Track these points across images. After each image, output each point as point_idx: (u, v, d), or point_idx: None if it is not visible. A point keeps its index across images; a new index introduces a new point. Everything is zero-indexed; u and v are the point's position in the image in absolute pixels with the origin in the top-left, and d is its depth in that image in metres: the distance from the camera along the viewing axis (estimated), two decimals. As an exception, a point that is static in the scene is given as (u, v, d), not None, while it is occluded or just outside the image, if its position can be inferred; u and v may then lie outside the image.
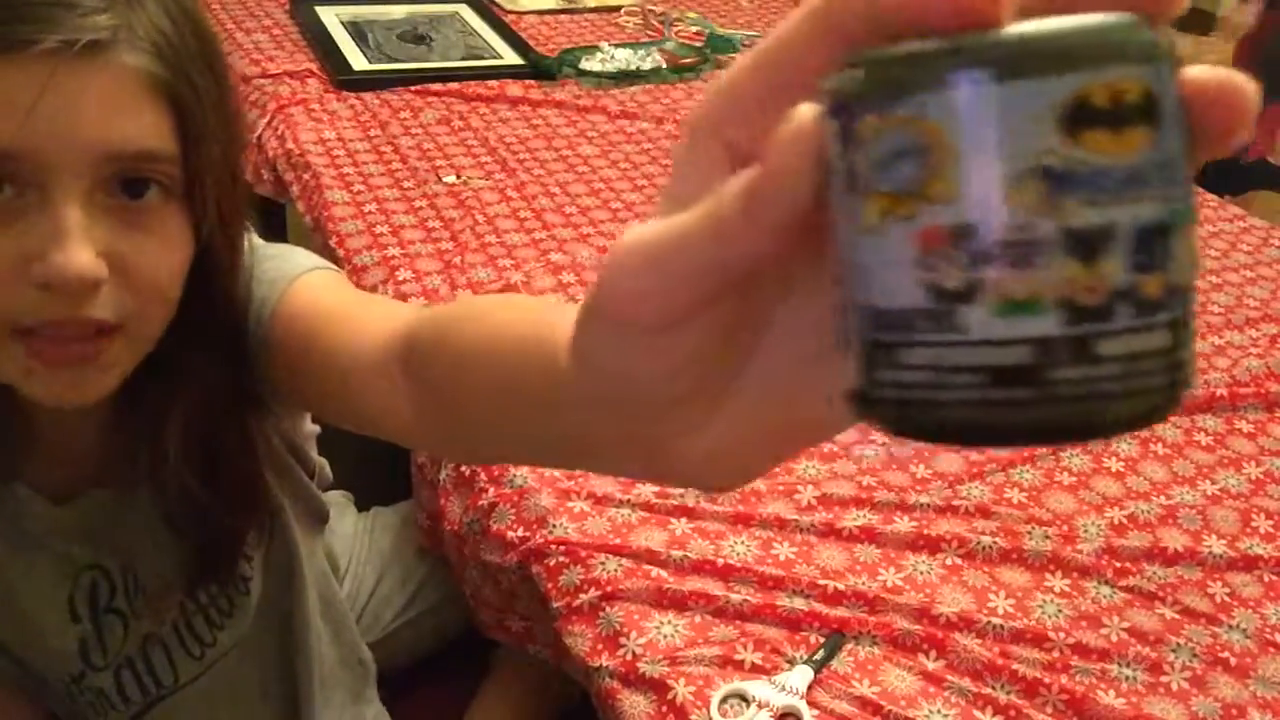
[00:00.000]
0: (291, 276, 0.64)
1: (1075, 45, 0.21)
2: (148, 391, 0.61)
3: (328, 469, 0.92)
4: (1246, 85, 0.22)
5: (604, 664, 0.77)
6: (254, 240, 0.68)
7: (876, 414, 0.24)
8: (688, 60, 1.87)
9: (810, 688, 0.75)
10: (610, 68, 1.79)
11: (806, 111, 0.22)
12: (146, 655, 0.71)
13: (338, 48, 1.69)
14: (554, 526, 0.86)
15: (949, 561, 0.87)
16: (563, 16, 2.05)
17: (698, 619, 0.80)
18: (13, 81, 0.49)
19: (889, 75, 0.21)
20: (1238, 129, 0.22)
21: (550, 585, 0.84)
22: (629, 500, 0.89)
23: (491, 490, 0.91)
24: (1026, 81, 0.20)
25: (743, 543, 0.86)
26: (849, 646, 0.79)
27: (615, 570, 0.83)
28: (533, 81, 1.72)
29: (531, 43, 1.87)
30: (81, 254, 0.50)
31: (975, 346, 0.21)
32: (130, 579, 0.69)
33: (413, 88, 1.63)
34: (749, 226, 0.23)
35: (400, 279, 1.16)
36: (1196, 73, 0.22)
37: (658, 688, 0.75)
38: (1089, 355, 0.21)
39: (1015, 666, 0.78)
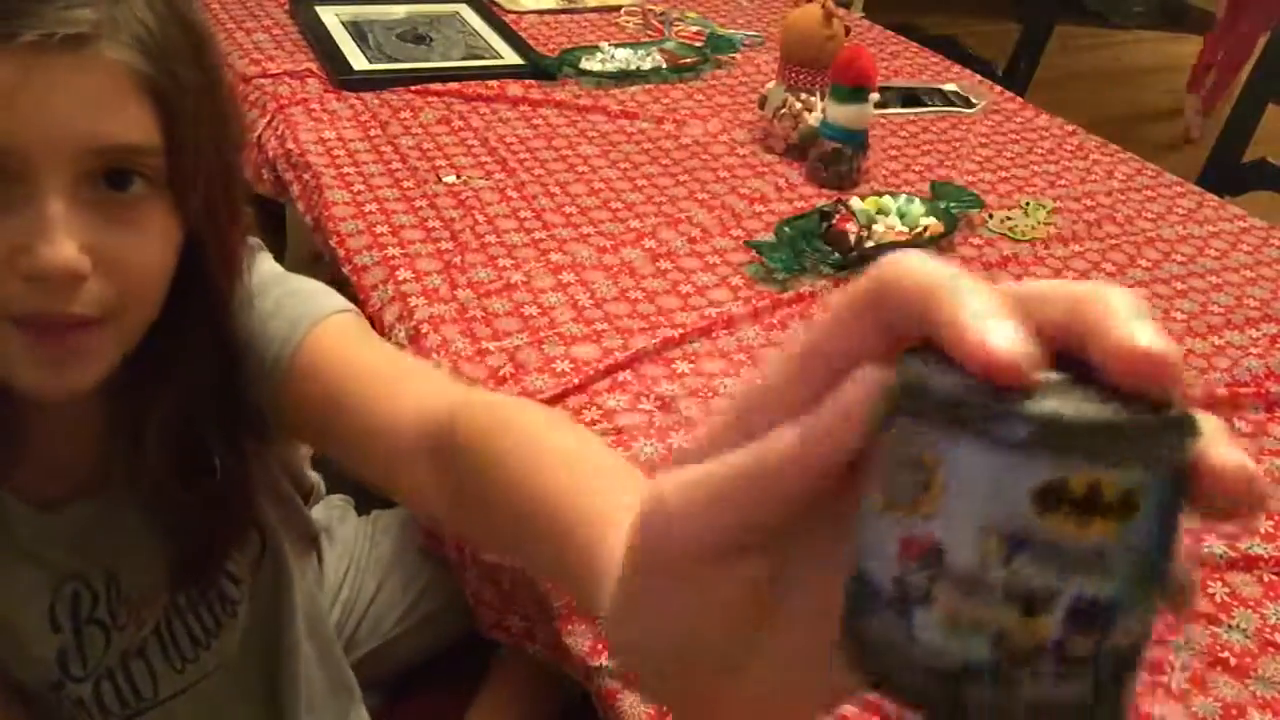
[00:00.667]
0: (316, 318, 0.65)
1: (1076, 437, 0.23)
2: (132, 388, 0.61)
3: (322, 485, 0.92)
4: (1259, 475, 0.24)
5: (604, 664, 0.77)
6: (275, 268, 0.67)
7: (849, 658, 0.27)
8: (688, 60, 1.87)
9: (810, 688, 0.75)
10: (610, 67, 1.79)
11: (872, 377, 0.25)
12: (127, 667, 0.70)
13: (338, 47, 1.69)
14: (554, 526, 0.86)
15: (949, 561, 0.87)
16: (563, 16, 2.05)
17: (698, 619, 0.80)
18: None
19: (917, 404, 0.24)
20: (1244, 514, 0.24)
21: (550, 585, 0.83)
22: (629, 500, 0.89)
23: (491, 490, 0.91)
24: (1019, 455, 0.23)
25: (743, 543, 0.86)
26: (849, 646, 0.79)
27: (615, 570, 0.83)
28: (533, 81, 1.72)
29: (531, 42, 1.87)
30: (65, 248, 0.51)
31: (919, 642, 0.25)
32: (114, 589, 0.68)
33: (413, 88, 1.63)
34: (798, 463, 0.26)
35: (400, 279, 1.16)
36: (1216, 454, 0.24)
37: (658, 688, 0.75)
38: (1007, 690, 0.24)
39: (1015, 666, 0.78)
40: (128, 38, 0.52)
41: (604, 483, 0.42)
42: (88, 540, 0.67)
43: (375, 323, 1.11)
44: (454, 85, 1.66)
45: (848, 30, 1.57)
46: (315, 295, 0.67)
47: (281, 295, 0.66)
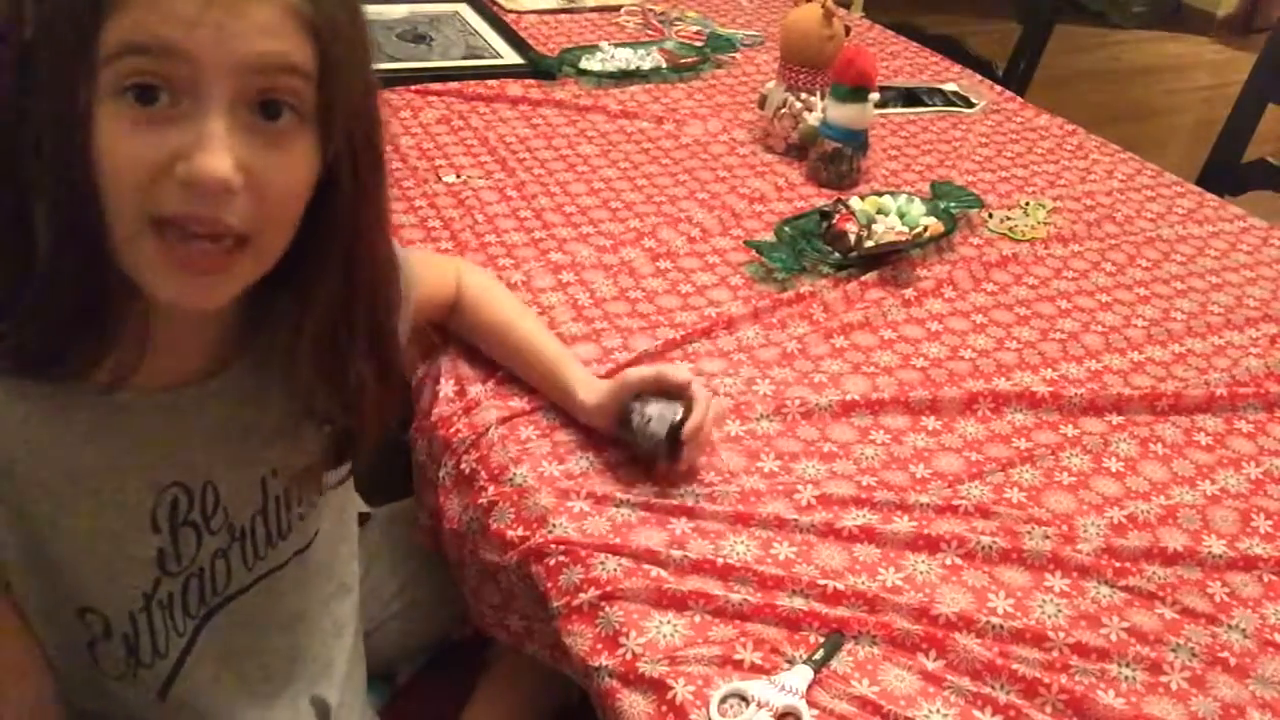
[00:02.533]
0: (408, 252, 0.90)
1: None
2: (278, 303, 0.69)
3: None
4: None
5: (603, 663, 0.77)
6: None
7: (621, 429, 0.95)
8: (688, 60, 1.87)
9: (810, 687, 0.75)
10: (610, 67, 1.79)
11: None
12: (213, 565, 0.76)
13: (338, 47, 1.69)
14: (554, 526, 0.86)
15: (949, 561, 0.87)
16: (563, 16, 2.05)
17: (697, 619, 0.80)
18: None
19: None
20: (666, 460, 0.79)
21: (550, 585, 0.84)
22: (629, 500, 0.89)
23: (491, 489, 0.92)
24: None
25: (742, 542, 0.86)
26: (848, 646, 0.79)
27: (615, 570, 0.83)
28: (533, 81, 1.72)
29: (531, 42, 1.87)
30: (224, 160, 0.57)
31: (638, 433, 0.93)
32: (209, 493, 0.73)
33: (413, 87, 1.63)
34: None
35: (400, 278, 1.16)
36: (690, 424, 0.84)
37: (657, 687, 0.75)
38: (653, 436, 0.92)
39: (1015, 666, 0.78)
40: None
41: (538, 339, 1.01)
42: (188, 445, 0.72)
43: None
44: (454, 85, 1.66)
45: (848, 30, 1.57)
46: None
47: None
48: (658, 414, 0.90)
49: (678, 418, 0.89)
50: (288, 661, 0.86)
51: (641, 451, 0.92)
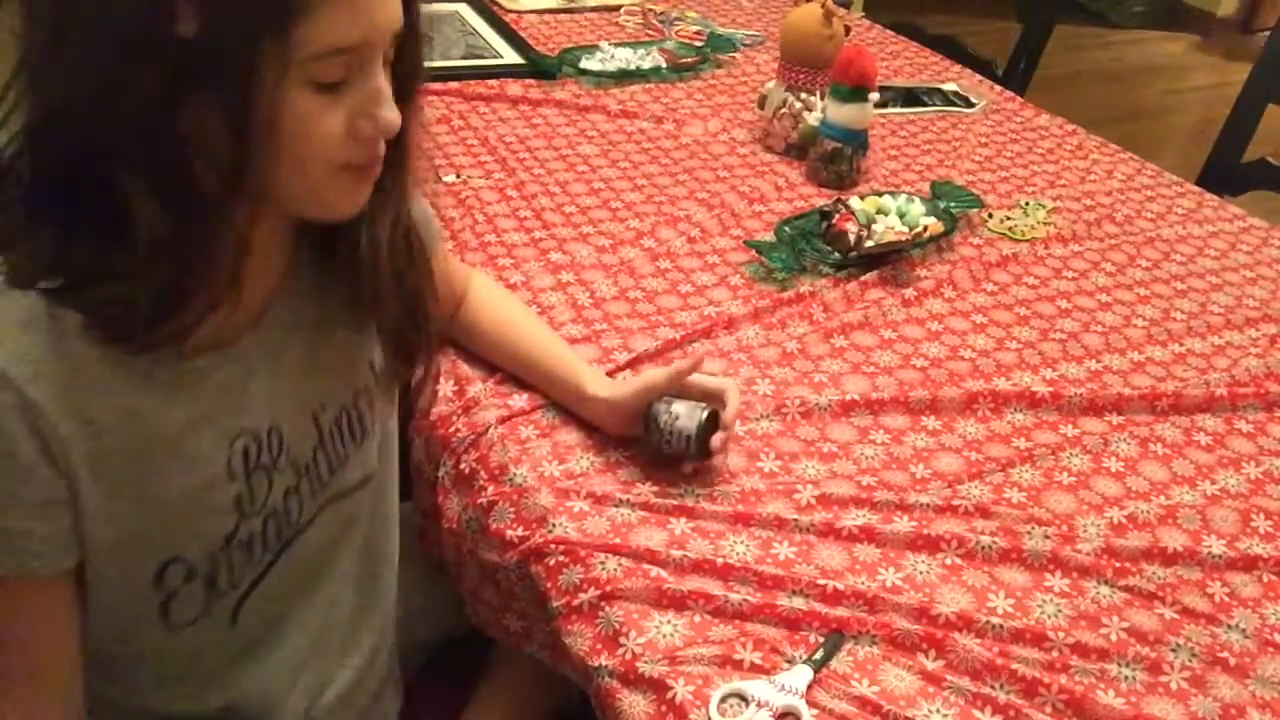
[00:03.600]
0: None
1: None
2: (342, 233, 0.77)
3: None
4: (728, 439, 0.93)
5: (603, 663, 0.77)
6: None
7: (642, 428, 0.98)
8: (688, 59, 1.87)
9: (809, 687, 0.75)
10: (610, 67, 1.79)
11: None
12: (286, 502, 0.81)
13: (338, 47, 1.69)
14: (553, 526, 0.86)
15: (948, 561, 0.87)
16: (563, 16, 2.05)
17: (697, 619, 0.80)
18: None
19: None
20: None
21: (550, 585, 0.84)
22: (628, 500, 0.89)
23: (490, 489, 0.91)
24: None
25: (742, 542, 0.86)
26: (848, 646, 0.79)
27: (615, 570, 0.83)
28: (533, 80, 1.72)
29: (531, 42, 1.87)
30: (396, 111, 0.69)
31: (659, 432, 0.94)
32: (274, 437, 0.79)
33: (413, 87, 1.63)
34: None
35: (400, 278, 1.16)
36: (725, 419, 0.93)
37: (657, 687, 0.75)
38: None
39: (1014, 666, 0.78)
40: None
41: (547, 336, 1.05)
42: (254, 391, 0.77)
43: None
44: (454, 84, 1.66)
45: (848, 30, 1.57)
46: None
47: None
48: (685, 411, 0.91)
49: (705, 415, 0.90)
50: (351, 580, 0.92)
51: (669, 450, 0.92)
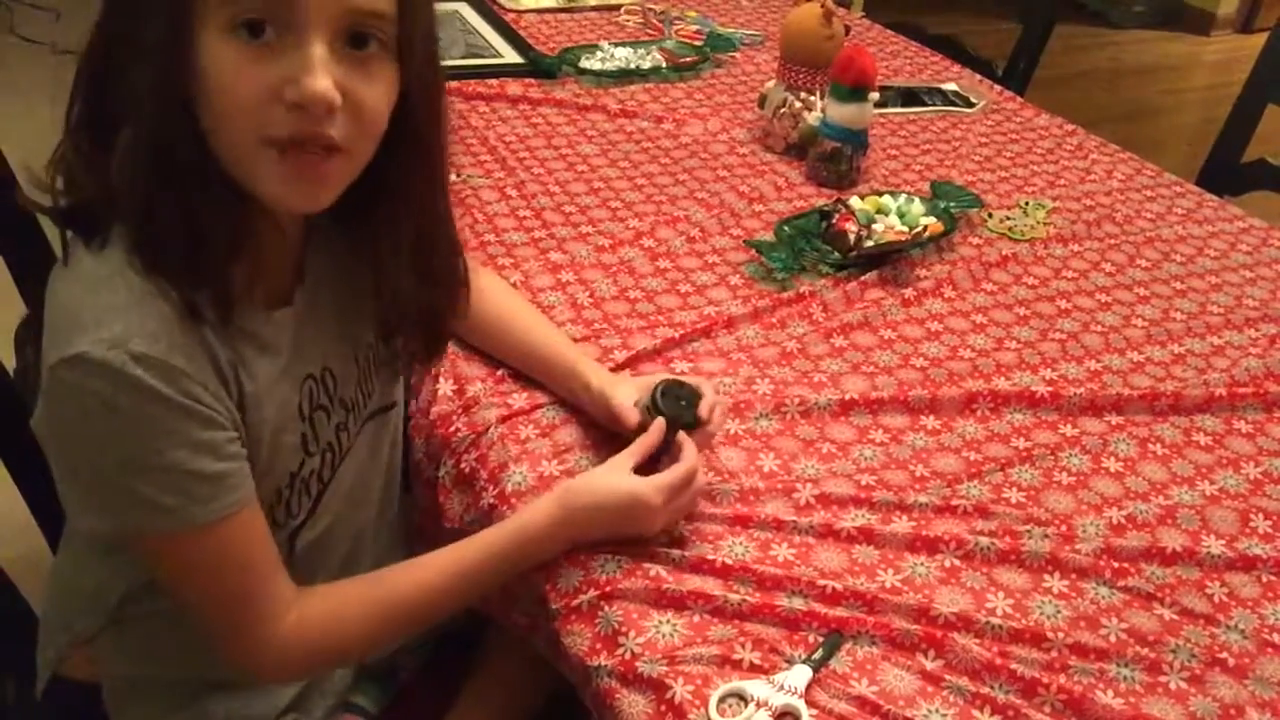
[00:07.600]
0: None
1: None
2: (378, 207, 0.80)
3: None
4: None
5: (602, 663, 0.77)
6: None
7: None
8: (687, 59, 1.87)
9: (809, 687, 0.75)
10: (610, 66, 1.79)
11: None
12: (338, 436, 0.88)
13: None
14: (553, 526, 0.86)
15: (947, 563, 0.87)
16: (563, 15, 2.05)
17: (696, 618, 0.80)
18: None
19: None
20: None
21: (549, 585, 0.84)
22: (628, 499, 0.89)
23: (491, 489, 0.91)
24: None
25: (741, 543, 0.86)
26: (847, 646, 0.79)
27: (614, 570, 0.83)
28: (532, 80, 1.72)
29: (531, 41, 1.87)
30: (324, 80, 0.67)
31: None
32: (329, 378, 0.86)
33: (412, 86, 1.63)
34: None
35: (399, 278, 1.16)
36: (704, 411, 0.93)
37: (656, 687, 0.75)
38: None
39: (1014, 666, 0.78)
40: None
41: (556, 335, 1.05)
42: (311, 342, 0.84)
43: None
44: (453, 84, 1.65)
45: (848, 30, 1.57)
46: None
47: None
48: (674, 394, 0.92)
49: (694, 394, 0.93)
50: (377, 492, 0.98)
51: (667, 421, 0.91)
